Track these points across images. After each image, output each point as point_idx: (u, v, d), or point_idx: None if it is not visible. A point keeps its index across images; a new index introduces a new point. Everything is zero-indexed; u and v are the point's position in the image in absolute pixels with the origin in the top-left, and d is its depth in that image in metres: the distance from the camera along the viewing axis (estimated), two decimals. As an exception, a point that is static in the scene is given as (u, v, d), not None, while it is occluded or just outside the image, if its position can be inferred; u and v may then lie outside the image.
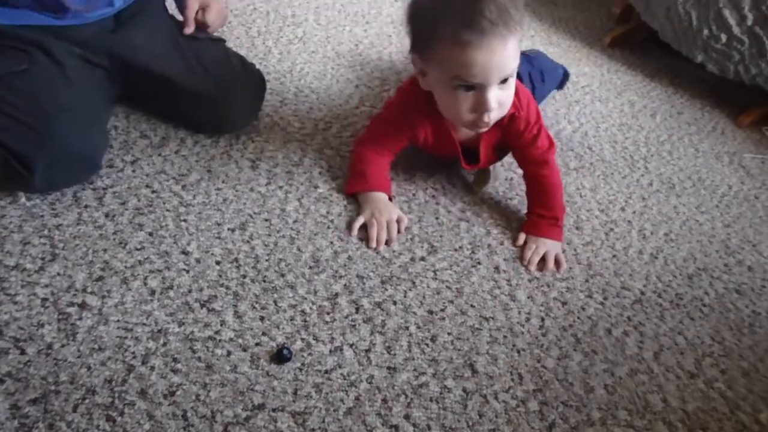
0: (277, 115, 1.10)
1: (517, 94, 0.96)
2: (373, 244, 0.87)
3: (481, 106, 0.85)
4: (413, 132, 0.97)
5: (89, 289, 0.71)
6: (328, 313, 0.75)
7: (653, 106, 1.62)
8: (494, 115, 0.87)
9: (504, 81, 0.84)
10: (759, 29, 1.51)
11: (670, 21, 1.71)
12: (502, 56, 0.80)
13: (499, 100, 0.85)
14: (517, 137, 0.99)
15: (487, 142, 1.02)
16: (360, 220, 0.90)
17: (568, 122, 1.40)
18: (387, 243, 0.89)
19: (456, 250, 0.92)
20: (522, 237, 0.98)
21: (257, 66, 1.22)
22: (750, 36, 1.53)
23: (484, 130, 0.92)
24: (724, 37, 1.58)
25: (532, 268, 0.93)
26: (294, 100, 1.16)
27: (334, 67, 1.32)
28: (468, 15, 0.77)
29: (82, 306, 0.69)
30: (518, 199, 1.08)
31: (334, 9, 1.62)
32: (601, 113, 1.49)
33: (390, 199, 0.96)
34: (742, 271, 1.07)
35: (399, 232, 0.91)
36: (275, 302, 0.74)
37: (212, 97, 0.95)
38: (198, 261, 0.77)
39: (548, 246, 0.96)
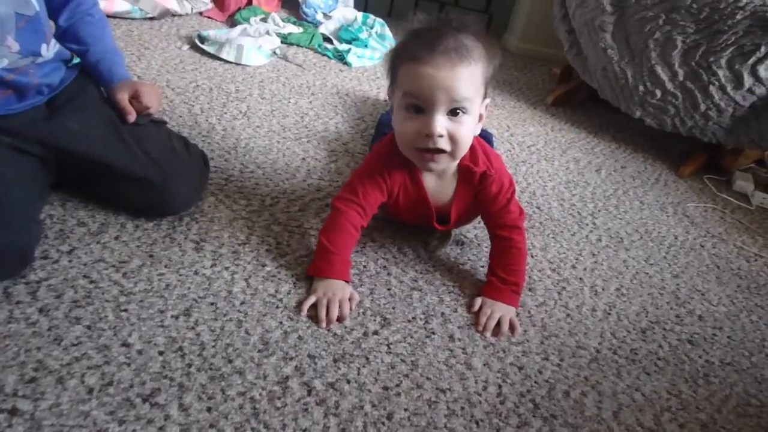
0: (222, 193, 1.13)
1: (489, 157, 1.04)
2: (323, 325, 0.88)
3: (425, 129, 0.89)
4: (390, 180, 1.01)
5: (20, 393, 0.70)
6: (278, 398, 0.75)
7: (598, 162, 1.73)
8: (443, 144, 0.90)
9: (455, 113, 0.89)
10: (690, 84, 1.65)
11: (608, 79, 1.86)
12: (449, 77, 0.86)
13: (449, 130, 0.89)
14: (491, 201, 1.04)
15: (459, 202, 1.07)
16: (311, 300, 0.92)
17: (516, 183, 1.48)
18: (339, 320, 0.90)
19: (409, 321, 0.94)
20: (478, 302, 1.01)
21: (200, 144, 1.26)
22: (682, 90, 1.67)
23: (435, 167, 0.96)
24: (659, 93, 1.72)
25: (488, 334, 0.96)
26: (239, 177, 1.19)
27: (279, 141, 1.37)
28: (428, 40, 0.86)
29: (12, 412, 0.68)
30: (470, 264, 1.12)
31: (278, 82, 1.69)
32: (548, 171, 1.58)
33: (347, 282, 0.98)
34: (693, 321, 1.13)
35: (351, 309, 0.93)
36: (223, 391, 0.75)
37: (154, 181, 0.97)
38: (140, 353, 0.77)
39: (503, 311, 0.99)
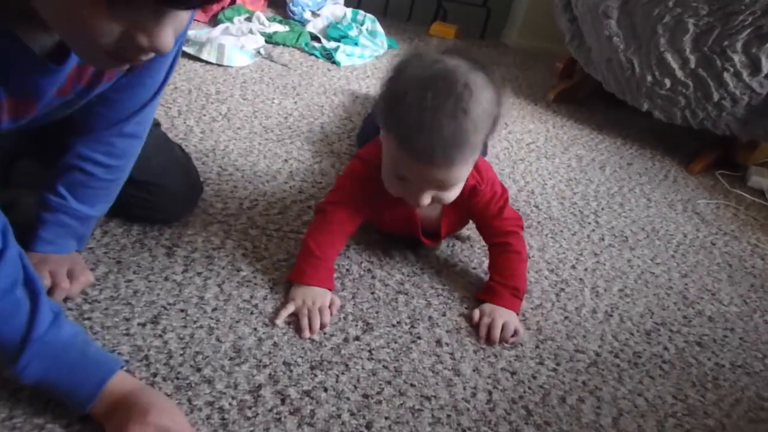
0: (197, 196, 1.13)
1: (479, 169, 1.02)
2: (306, 334, 0.88)
3: (411, 199, 0.91)
4: (376, 191, 0.98)
5: (-25, 406, 0.69)
6: (249, 408, 0.75)
7: (602, 159, 1.72)
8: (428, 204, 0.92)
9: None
10: (702, 71, 1.64)
11: (613, 71, 1.85)
12: (443, 173, 0.85)
13: (436, 197, 0.91)
14: (483, 210, 1.04)
15: (449, 217, 1.07)
16: (289, 309, 0.91)
17: (513, 181, 1.48)
18: (320, 327, 0.90)
19: (394, 325, 0.94)
20: (476, 313, 0.98)
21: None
22: (694, 79, 1.66)
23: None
24: (668, 82, 1.71)
25: (493, 342, 0.94)
26: (217, 180, 1.20)
27: (261, 143, 1.38)
28: (423, 131, 0.81)
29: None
30: (461, 265, 1.12)
31: (262, 83, 1.70)
32: (548, 170, 1.58)
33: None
34: (703, 322, 1.12)
35: (331, 315, 0.92)
36: (189, 401, 0.74)
37: (160, 185, 0.98)
38: (102, 362, 0.77)
39: (505, 316, 0.97)
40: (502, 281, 1.02)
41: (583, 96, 2.15)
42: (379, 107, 0.90)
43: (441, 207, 1.05)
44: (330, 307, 0.93)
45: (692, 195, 1.62)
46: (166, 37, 0.54)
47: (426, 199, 0.89)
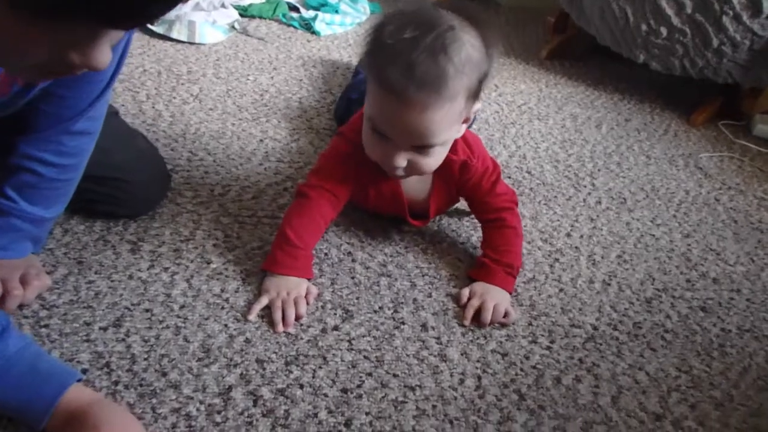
0: (165, 186, 1.08)
1: (469, 144, 0.98)
2: (280, 329, 0.82)
3: (387, 159, 0.86)
4: (360, 170, 0.94)
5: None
6: (219, 412, 0.70)
7: (598, 117, 1.65)
8: (406, 172, 0.88)
9: (423, 148, 0.84)
10: (699, 16, 1.56)
11: (606, 22, 1.76)
12: (418, 121, 0.80)
13: (413, 162, 0.86)
14: (476, 186, 0.99)
15: (438, 196, 1.01)
16: (262, 302, 0.85)
17: (504, 147, 1.41)
18: (296, 319, 0.85)
19: (375, 311, 0.89)
20: (465, 292, 0.93)
21: (145, 133, 1.21)
22: (691, 25, 1.58)
23: (399, 176, 0.92)
24: (664, 31, 1.63)
25: (483, 325, 0.88)
26: (186, 167, 1.14)
27: (234, 123, 1.31)
28: (405, 58, 0.77)
29: None
30: (448, 240, 1.06)
31: (236, 59, 1.63)
32: (540, 132, 1.51)
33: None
34: (707, 284, 1.06)
35: (308, 304, 0.87)
36: (153, 409, 0.69)
37: (123, 180, 0.93)
38: (59, 373, 0.72)
39: (496, 297, 0.91)
40: (495, 258, 0.96)
41: (577, 52, 2.06)
42: (363, 52, 0.86)
43: (430, 186, 1.00)
44: (306, 296, 0.88)
45: (694, 149, 1.55)
46: (102, 55, 0.47)
47: (401, 160, 0.84)
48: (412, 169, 0.88)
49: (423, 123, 0.80)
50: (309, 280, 0.91)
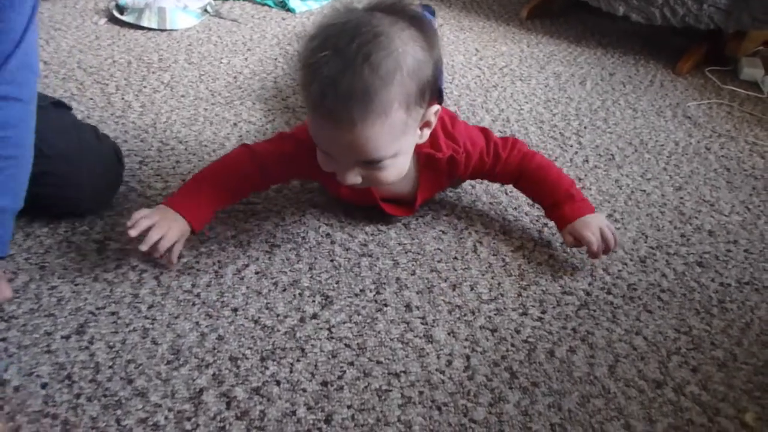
0: (134, 179, 0.99)
1: (449, 134, 0.87)
2: (144, 248, 0.75)
3: (339, 177, 0.77)
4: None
5: None
6: (189, 419, 0.63)
7: (582, 73, 1.54)
8: (364, 185, 0.79)
9: (370, 162, 0.74)
10: (677, -38, 1.45)
11: (583, -24, 1.65)
12: (350, 139, 0.69)
13: (367, 177, 0.76)
14: (478, 169, 0.91)
15: (426, 188, 0.92)
16: (153, 217, 0.77)
17: (487, 111, 1.31)
18: (169, 261, 0.80)
19: (356, 294, 0.81)
20: (569, 237, 0.87)
21: (113, 127, 1.13)
22: (668, -27, 1.47)
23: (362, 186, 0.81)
24: (641, -19, 1.52)
25: (610, 249, 0.86)
26: (157, 157, 1.05)
27: (207, 108, 1.22)
28: (319, 80, 0.67)
29: None
30: (431, 214, 0.97)
31: (209, 43, 1.52)
32: (524, 93, 1.41)
33: (194, 233, 0.83)
34: (702, 238, 0.98)
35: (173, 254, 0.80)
36: (118, 421, 0.62)
37: (61, 176, 0.83)
38: (16, 389, 0.64)
39: (598, 221, 0.86)
40: (555, 201, 0.90)
41: (558, 9, 1.94)
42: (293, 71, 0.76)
43: (415, 181, 0.90)
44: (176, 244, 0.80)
45: (681, 98, 1.45)
46: None
47: (353, 177, 0.75)
48: (371, 182, 0.78)
49: (358, 140, 0.70)
50: (194, 233, 0.83)
